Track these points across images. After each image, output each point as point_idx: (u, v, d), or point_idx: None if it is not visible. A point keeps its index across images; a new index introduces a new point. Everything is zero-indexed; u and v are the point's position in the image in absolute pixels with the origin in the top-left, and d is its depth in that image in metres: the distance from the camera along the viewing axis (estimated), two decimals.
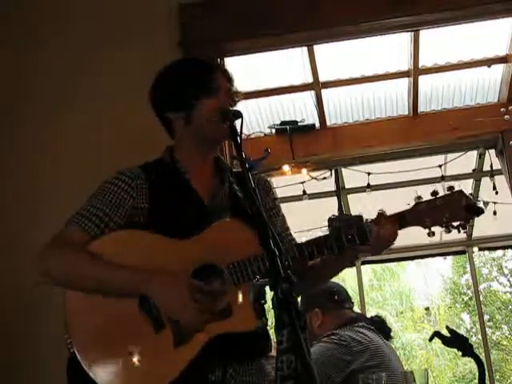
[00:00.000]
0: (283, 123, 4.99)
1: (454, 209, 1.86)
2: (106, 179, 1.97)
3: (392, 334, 3.13)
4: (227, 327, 1.76)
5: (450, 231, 1.87)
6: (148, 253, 1.83)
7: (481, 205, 1.92)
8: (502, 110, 4.85)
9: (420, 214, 1.85)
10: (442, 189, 1.90)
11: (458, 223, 1.87)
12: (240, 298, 1.78)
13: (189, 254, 1.81)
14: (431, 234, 1.87)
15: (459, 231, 1.87)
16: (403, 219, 1.85)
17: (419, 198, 1.87)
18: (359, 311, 7.63)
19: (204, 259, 1.80)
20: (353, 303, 3.15)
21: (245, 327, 1.76)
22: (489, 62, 4.80)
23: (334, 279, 2.45)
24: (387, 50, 4.67)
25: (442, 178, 5.39)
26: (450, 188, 1.88)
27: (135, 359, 1.77)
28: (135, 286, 1.76)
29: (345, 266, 1.97)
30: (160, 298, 1.75)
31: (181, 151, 2.02)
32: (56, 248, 1.86)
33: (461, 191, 1.88)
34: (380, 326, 3.04)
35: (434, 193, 1.87)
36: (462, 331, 13.18)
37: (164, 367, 1.75)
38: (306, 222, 5.33)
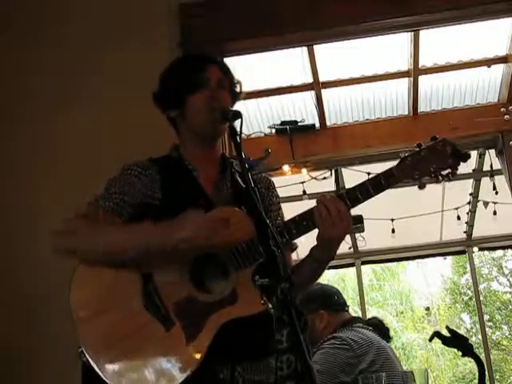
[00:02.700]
0: (283, 123, 4.99)
1: (439, 158, 1.85)
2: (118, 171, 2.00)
3: (392, 334, 3.13)
4: (235, 313, 1.76)
5: (440, 181, 1.86)
6: None
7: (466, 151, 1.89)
8: (502, 109, 4.85)
9: (407, 168, 1.84)
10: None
11: (446, 172, 1.86)
12: (244, 282, 1.77)
13: None
14: (422, 186, 1.85)
15: (449, 179, 1.86)
16: (391, 176, 1.83)
17: (406, 152, 1.87)
18: (359, 311, 7.65)
19: None
20: (348, 306, 3.18)
21: (252, 310, 1.76)
22: (489, 62, 4.80)
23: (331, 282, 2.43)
24: (387, 49, 4.67)
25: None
26: (433, 138, 1.87)
27: (149, 361, 1.76)
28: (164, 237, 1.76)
29: (321, 264, 1.93)
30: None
31: (185, 149, 2.05)
32: (77, 225, 1.85)
33: (444, 139, 1.87)
34: (378, 328, 3.04)
35: (419, 145, 1.87)
36: (461, 331, 13.18)
37: (178, 365, 1.75)
38: None
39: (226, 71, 2.06)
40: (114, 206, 1.89)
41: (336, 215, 1.79)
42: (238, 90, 2.09)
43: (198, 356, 1.73)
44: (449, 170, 1.85)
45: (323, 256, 1.89)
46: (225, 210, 1.87)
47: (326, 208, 1.80)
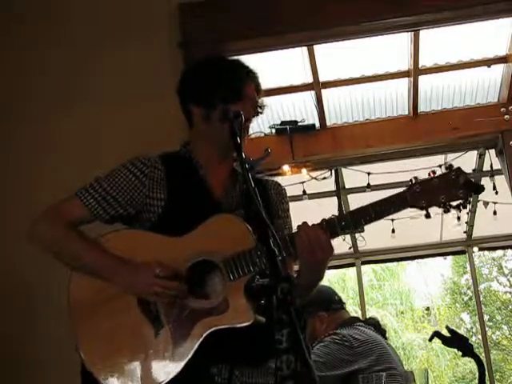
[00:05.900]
0: (283, 123, 4.99)
1: (451, 188, 1.74)
2: (121, 162, 1.98)
3: (392, 334, 3.14)
4: (223, 322, 1.76)
5: (448, 211, 1.77)
6: (145, 251, 1.85)
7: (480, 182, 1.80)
8: (502, 109, 4.85)
9: (413, 196, 1.76)
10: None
11: (457, 203, 1.76)
12: (236, 292, 1.77)
13: (186, 249, 1.82)
14: (428, 215, 1.77)
15: (460, 210, 1.77)
16: (398, 202, 1.77)
17: (415, 178, 1.78)
18: (359, 311, 7.64)
19: (201, 254, 1.81)
20: (344, 303, 3.18)
21: (241, 321, 1.76)
22: (489, 62, 4.81)
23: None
24: (387, 50, 4.67)
25: None
26: (449, 167, 1.77)
27: (137, 362, 1.78)
28: (107, 274, 1.83)
29: (310, 289, 1.89)
30: (127, 285, 1.81)
31: (197, 147, 2.01)
32: (51, 219, 1.92)
33: (459, 169, 1.76)
34: (376, 328, 3.04)
35: (432, 172, 1.78)
36: (462, 331, 13.18)
37: (164, 368, 1.76)
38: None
39: (259, 93, 2.03)
40: (98, 201, 1.91)
41: (315, 243, 1.75)
42: (261, 111, 2.07)
43: (182, 360, 1.75)
44: (460, 202, 1.75)
45: (312, 280, 1.85)
46: (223, 217, 1.87)
47: (306, 235, 1.76)
